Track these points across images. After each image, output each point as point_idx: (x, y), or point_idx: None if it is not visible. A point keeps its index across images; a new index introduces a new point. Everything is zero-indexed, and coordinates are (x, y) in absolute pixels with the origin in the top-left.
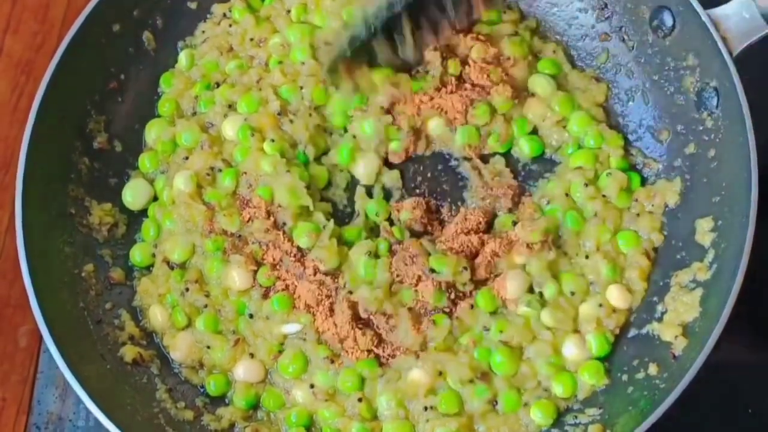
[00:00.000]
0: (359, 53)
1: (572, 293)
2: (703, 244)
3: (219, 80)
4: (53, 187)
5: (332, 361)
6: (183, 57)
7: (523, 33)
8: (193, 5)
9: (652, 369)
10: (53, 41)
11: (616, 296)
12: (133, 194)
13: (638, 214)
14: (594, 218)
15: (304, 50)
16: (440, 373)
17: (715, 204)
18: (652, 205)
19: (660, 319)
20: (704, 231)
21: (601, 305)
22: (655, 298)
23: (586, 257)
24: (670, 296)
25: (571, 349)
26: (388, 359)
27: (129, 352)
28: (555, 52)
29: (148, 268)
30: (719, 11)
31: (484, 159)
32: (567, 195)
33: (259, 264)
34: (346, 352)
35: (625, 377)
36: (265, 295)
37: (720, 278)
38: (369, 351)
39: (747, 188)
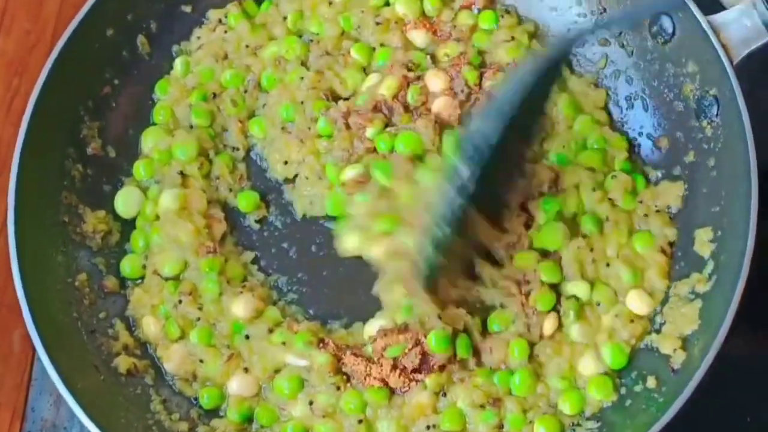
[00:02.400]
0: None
1: (598, 304)
2: (702, 254)
3: (216, 90)
4: (46, 196)
5: (339, 388)
6: (178, 64)
7: (520, 37)
8: (187, 9)
9: (651, 382)
10: (47, 40)
11: (636, 302)
12: (125, 202)
13: (646, 215)
14: (607, 223)
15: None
16: (444, 394)
17: (715, 214)
18: (657, 206)
19: (659, 331)
20: (703, 241)
21: (617, 315)
22: (655, 308)
23: (607, 265)
24: (668, 307)
25: (586, 363)
26: (402, 392)
27: (123, 363)
28: None
29: (142, 278)
30: (720, 18)
31: None
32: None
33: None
34: (359, 380)
35: (623, 390)
36: (271, 330)
37: (719, 290)
38: (383, 381)
39: (747, 199)
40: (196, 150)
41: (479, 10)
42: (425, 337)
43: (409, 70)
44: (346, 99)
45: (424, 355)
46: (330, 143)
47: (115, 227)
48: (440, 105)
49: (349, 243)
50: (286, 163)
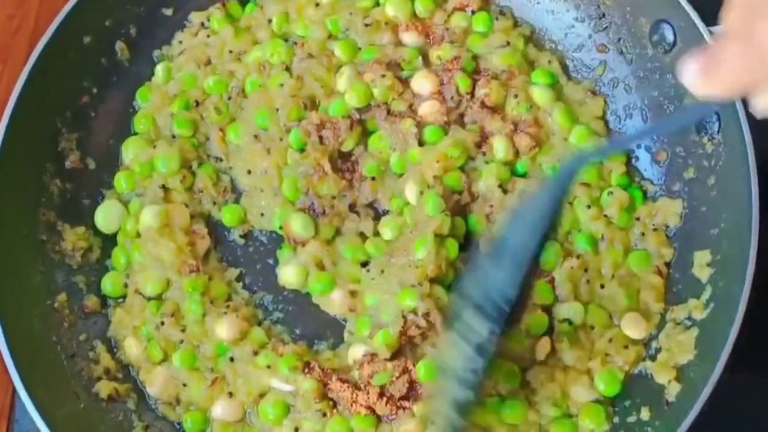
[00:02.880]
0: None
1: (592, 327)
2: (700, 278)
3: (198, 98)
4: (23, 214)
5: (324, 414)
6: (160, 70)
7: (515, 41)
8: (168, 12)
9: (645, 413)
10: (30, 25)
11: (631, 326)
12: (106, 217)
13: (643, 233)
14: (602, 241)
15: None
16: (433, 422)
17: (714, 237)
18: (654, 224)
19: (654, 358)
20: (702, 265)
21: (611, 340)
22: (651, 332)
23: (602, 286)
24: (664, 333)
25: (579, 390)
26: (389, 420)
27: (104, 388)
28: (550, 62)
29: (123, 297)
30: (721, 30)
31: None
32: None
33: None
34: (346, 407)
35: (616, 419)
36: (256, 352)
37: (717, 320)
38: (370, 408)
39: (747, 225)
40: (178, 162)
41: (473, 12)
42: (414, 365)
43: (400, 68)
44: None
45: (412, 384)
46: (301, 157)
47: (96, 243)
48: (427, 108)
49: (287, 275)
50: (249, 172)
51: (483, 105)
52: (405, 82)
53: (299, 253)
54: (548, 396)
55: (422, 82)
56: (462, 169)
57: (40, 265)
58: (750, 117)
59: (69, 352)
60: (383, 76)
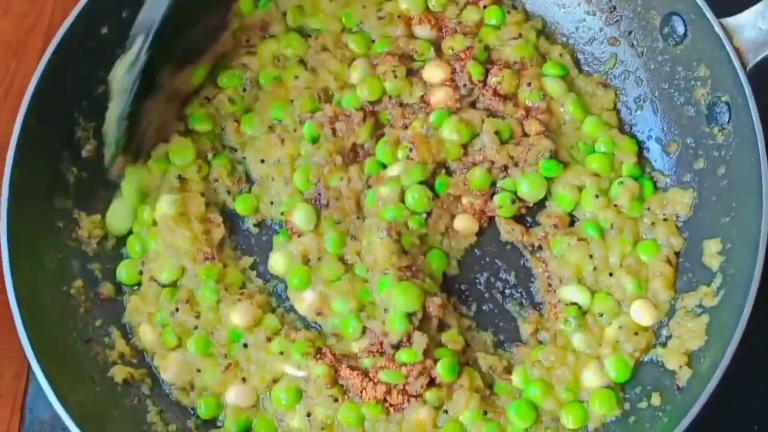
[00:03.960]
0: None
1: (601, 314)
2: (710, 267)
3: (209, 94)
4: (40, 201)
5: (336, 400)
6: None
7: (527, 34)
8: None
9: (655, 399)
10: (45, 21)
11: (641, 313)
12: (114, 216)
13: (653, 223)
14: (611, 230)
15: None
16: (446, 411)
17: (724, 225)
18: (664, 214)
19: (664, 344)
20: (712, 253)
21: (621, 327)
22: (660, 320)
23: (610, 274)
24: (675, 321)
25: (589, 376)
26: (398, 409)
27: (119, 372)
28: (561, 55)
29: (138, 284)
30: (733, 21)
31: None
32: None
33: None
34: (356, 394)
35: (627, 405)
36: (269, 339)
37: (727, 307)
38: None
39: (757, 214)
40: (192, 154)
41: (485, 6)
42: (434, 364)
43: (412, 60)
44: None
45: (432, 381)
46: (314, 148)
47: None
48: (440, 96)
49: (276, 261)
50: (262, 161)
51: (495, 93)
52: (417, 74)
53: (293, 242)
54: (561, 379)
55: (434, 71)
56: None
57: (57, 251)
58: (760, 107)
59: (85, 338)
60: (395, 69)
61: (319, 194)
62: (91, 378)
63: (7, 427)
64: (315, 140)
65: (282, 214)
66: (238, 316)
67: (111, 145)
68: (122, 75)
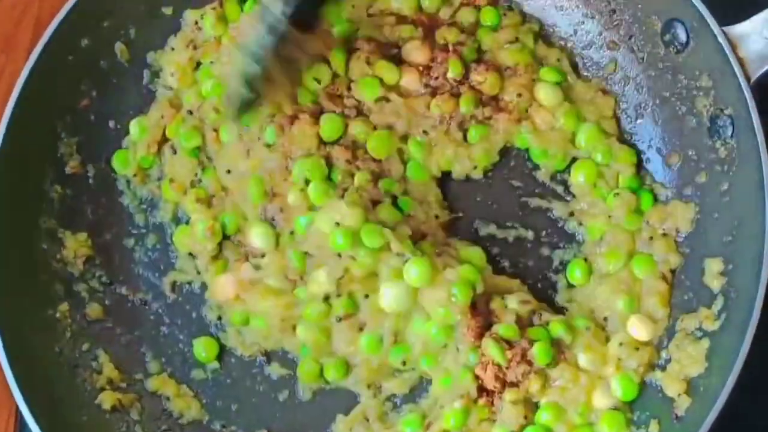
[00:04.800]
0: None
1: (587, 328)
2: (711, 287)
3: (192, 107)
4: (23, 223)
5: None
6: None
7: (524, 37)
8: (168, 11)
9: (653, 427)
10: (33, 12)
11: (638, 327)
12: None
13: (651, 238)
14: (601, 241)
15: None
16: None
17: (726, 245)
18: (664, 229)
19: (663, 368)
20: (713, 273)
21: (621, 344)
22: (658, 335)
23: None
24: (674, 343)
25: (598, 396)
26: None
27: (108, 399)
28: (559, 60)
29: None
30: (738, 30)
31: None
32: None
33: None
34: None
35: (633, 429)
36: None
37: (728, 333)
38: None
39: (761, 235)
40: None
41: (479, 8)
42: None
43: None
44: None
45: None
46: (270, 151)
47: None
48: (408, 80)
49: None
50: (229, 172)
51: (472, 88)
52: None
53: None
54: (571, 401)
55: (415, 52)
56: None
57: (42, 274)
58: (765, 123)
59: (72, 363)
60: (368, 56)
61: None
62: (78, 407)
63: None
64: (270, 144)
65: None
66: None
67: (234, 105)
68: (257, 33)
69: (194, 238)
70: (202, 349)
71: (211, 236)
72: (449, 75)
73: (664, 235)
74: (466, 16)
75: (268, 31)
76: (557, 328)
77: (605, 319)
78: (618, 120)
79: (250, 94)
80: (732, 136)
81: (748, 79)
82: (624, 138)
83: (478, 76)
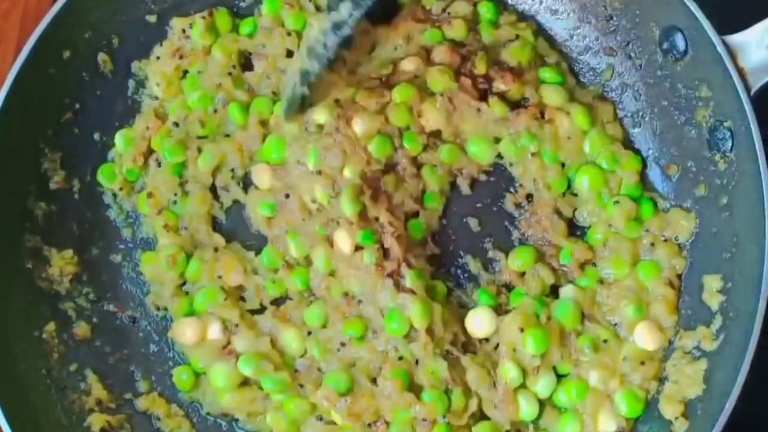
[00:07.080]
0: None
1: (605, 341)
2: (710, 305)
3: (177, 119)
4: (7, 242)
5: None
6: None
7: (524, 33)
8: (152, 19)
9: None
10: (20, 4)
11: (645, 336)
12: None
13: (653, 244)
14: (604, 248)
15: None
16: None
17: (725, 261)
18: (664, 236)
19: (661, 386)
20: (712, 290)
21: (625, 358)
22: (665, 346)
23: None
24: (672, 362)
25: (604, 417)
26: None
27: (97, 421)
28: (558, 63)
29: None
30: (737, 39)
31: None
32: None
33: None
34: None
35: None
36: None
37: (726, 354)
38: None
39: (760, 254)
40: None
41: (475, 4)
42: None
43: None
44: None
45: None
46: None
47: (84, 266)
48: (439, 54)
49: None
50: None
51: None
52: None
53: None
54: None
55: (443, 54)
56: None
57: (27, 294)
58: (765, 138)
59: (60, 385)
60: None
61: None
62: (66, 430)
63: None
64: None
65: None
66: None
67: (293, 103)
68: (323, 33)
69: (159, 264)
70: (183, 376)
71: (172, 265)
72: (476, 70)
73: (666, 240)
74: (461, 8)
75: (334, 31)
76: None
77: (615, 325)
78: (622, 122)
79: (305, 90)
80: (731, 149)
81: (748, 90)
82: (629, 144)
83: (502, 85)
